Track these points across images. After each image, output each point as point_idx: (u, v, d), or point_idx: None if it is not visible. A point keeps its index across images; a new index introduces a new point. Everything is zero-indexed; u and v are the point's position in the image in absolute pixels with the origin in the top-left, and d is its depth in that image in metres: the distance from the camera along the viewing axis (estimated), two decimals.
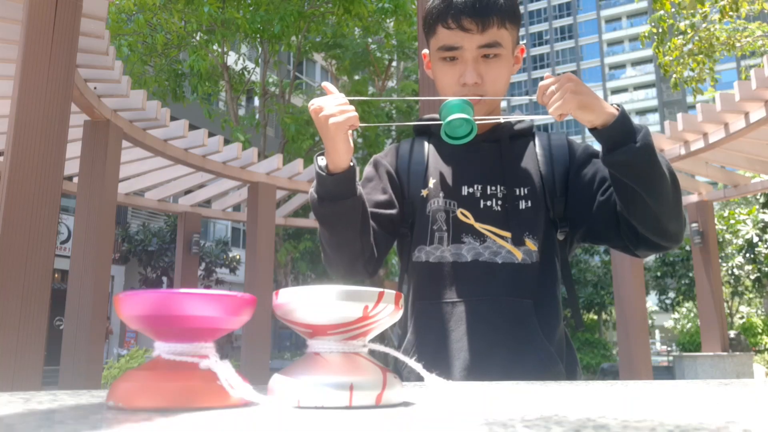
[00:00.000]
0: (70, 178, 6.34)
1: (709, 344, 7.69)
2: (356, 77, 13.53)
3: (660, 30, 8.96)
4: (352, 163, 1.07)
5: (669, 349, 26.14)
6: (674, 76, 9.08)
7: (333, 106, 1.03)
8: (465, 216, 1.17)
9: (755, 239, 14.12)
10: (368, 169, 1.29)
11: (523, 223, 1.16)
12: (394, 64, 14.44)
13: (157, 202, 7.66)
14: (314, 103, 1.04)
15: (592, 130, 1.04)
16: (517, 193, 1.18)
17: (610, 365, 14.65)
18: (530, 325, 1.12)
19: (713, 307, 7.57)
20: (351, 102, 1.05)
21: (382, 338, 13.09)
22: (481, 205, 1.17)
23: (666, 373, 14.37)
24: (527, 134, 1.28)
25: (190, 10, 9.75)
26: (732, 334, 9.00)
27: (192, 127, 6.25)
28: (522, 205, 1.17)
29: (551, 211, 1.19)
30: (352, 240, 1.11)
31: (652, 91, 59.09)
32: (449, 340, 1.12)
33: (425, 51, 1.27)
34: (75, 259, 4.84)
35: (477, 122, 1.12)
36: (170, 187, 7.57)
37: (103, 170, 5.00)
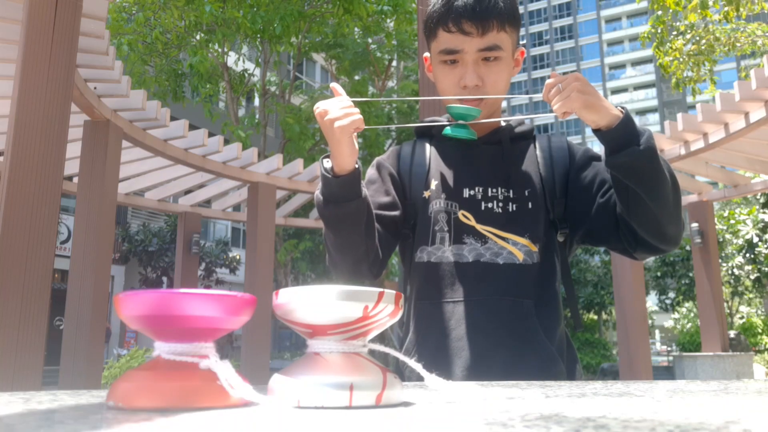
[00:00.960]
0: (70, 178, 6.34)
1: (709, 344, 7.69)
2: (356, 77, 13.53)
3: (659, 31, 8.96)
4: (357, 166, 1.07)
5: (669, 349, 26.14)
6: (674, 76, 9.08)
7: (338, 109, 1.03)
8: (466, 218, 1.18)
9: (755, 239, 14.13)
10: (370, 171, 1.29)
11: (524, 225, 1.17)
12: (394, 64, 14.44)
13: (157, 202, 7.66)
14: (319, 107, 1.04)
15: (596, 132, 1.04)
16: (518, 195, 1.19)
17: (610, 365, 14.65)
18: (531, 325, 1.13)
19: (713, 307, 7.57)
20: (355, 104, 1.05)
21: (382, 338, 13.09)
22: (482, 207, 1.18)
23: (666, 373, 14.36)
24: (528, 137, 1.29)
25: (190, 9, 9.74)
26: (732, 334, 9.01)
27: (192, 127, 6.25)
28: (523, 206, 1.18)
29: (551, 212, 1.21)
30: (357, 242, 1.11)
31: (652, 91, 59.09)
32: (450, 339, 1.12)
33: (426, 54, 1.28)
34: (75, 259, 4.84)
35: (479, 122, 1.15)
36: (170, 187, 7.57)
37: (103, 170, 5.00)
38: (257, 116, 12.33)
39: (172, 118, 6.02)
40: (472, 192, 1.19)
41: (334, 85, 1.10)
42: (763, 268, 14.32)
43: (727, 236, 14.78)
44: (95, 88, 5.01)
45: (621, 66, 62.20)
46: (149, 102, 5.61)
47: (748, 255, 14.37)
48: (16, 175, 3.20)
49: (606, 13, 62.72)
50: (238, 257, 17.50)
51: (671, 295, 17.67)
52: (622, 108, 1.06)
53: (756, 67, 5.44)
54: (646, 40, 9.40)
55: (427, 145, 1.30)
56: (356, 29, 12.27)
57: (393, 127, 11.92)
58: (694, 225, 7.67)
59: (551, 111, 1.06)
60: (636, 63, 60.79)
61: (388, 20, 11.45)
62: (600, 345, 17.82)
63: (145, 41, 10.50)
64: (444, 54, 1.18)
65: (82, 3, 3.75)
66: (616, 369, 13.21)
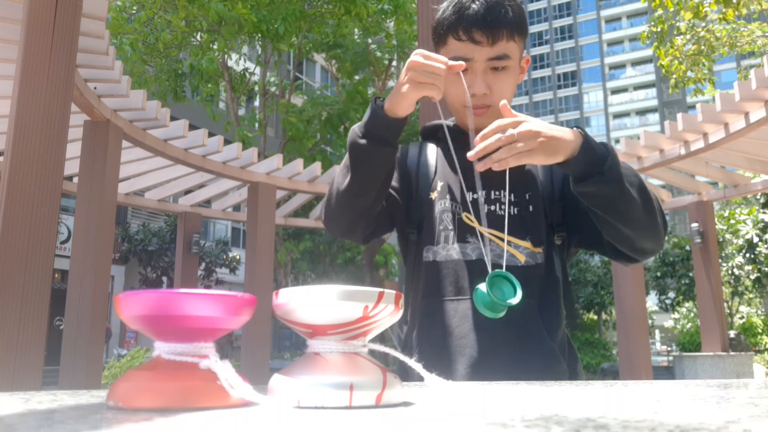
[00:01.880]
0: (70, 178, 6.34)
1: (709, 344, 7.69)
2: (356, 77, 13.52)
3: (660, 30, 8.96)
4: (406, 119, 1.09)
5: (669, 349, 26.14)
6: (674, 76, 9.07)
7: (427, 72, 1.02)
8: (470, 220, 1.20)
9: (755, 239, 14.13)
10: None
11: (525, 228, 1.20)
12: (394, 64, 14.43)
13: (157, 202, 7.66)
14: (417, 57, 1.03)
15: (559, 164, 1.04)
16: (519, 198, 1.22)
17: (610, 365, 14.65)
18: (534, 325, 1.15)
19: (713, 307, 7.57)
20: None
21: (382, 338, 13.09)
22: (486, 210, 1.20)
23: (666, 373, 14.36)
24: None
25: (194, 7, 9.72)
26: (732, 334, 9.00)
27: (192, 127, 6.25)
28: (524, 210, 1.21)
29: (549, 216, 1.23)
30: (370, 190, 1.12)
31: (652, 91, 59.08)
32: (454, 336, 1.14)
33: None
34: (75, 259, 4.84)
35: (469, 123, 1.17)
36: (170, 187, 7.57)
37: (103, 170, 5.00)
38: (258, 116, 12.32)
39: (172, 118, 6.02)
40: (475, 195, 1.21)
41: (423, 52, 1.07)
42: (763, 268, 14.32)
43: (727, 236, 14.78)
44: (95, 88, 5.01)
45: (621, 66, 62.20)
46: (149, 102, 5.61)
47: (748, 255, 14.37)
48: (16, 175, 3.20)
49: (606, 13, 62.72)
50: (238, 257, 17.50)
51: (671, 295, 17.67)
52: (579, 130, 1.05)
53: (756, 67, 5.45)
54: (646, 39, 9.40)
55: (434, 147, 1.33)
56: (356, 29, 12.27)
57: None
58: (694, 225, 7.67)
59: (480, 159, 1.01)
60: (636, 63, 60.78)
61: (388, 20, 11.44)
62: (600, 345, 17.82)
63: (145, 41, 10.49)
64: (451, 59, 1.18)
65: (82, 3, 3.75)
66: (616, 369, 13.21)
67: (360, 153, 1.09)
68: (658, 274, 17.06)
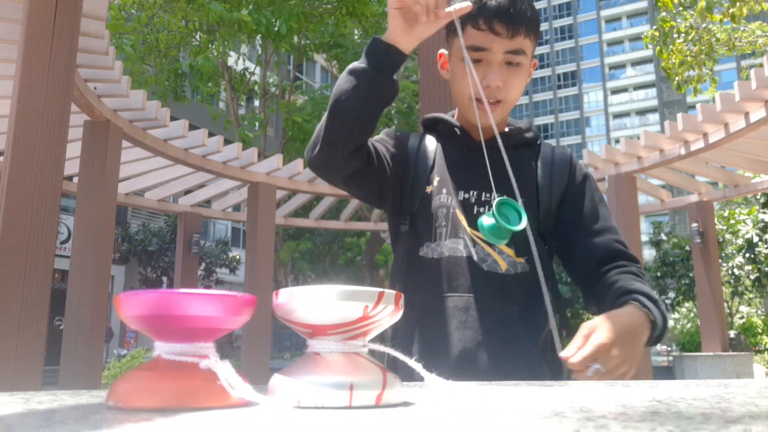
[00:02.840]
0: (70, 178, 6.34)
1: (709, 344, 7.69)
2: None
3: (662, 33, 8.96)
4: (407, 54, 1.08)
5: (669, 349, 26.13)
6: (677, 77, 9.07)
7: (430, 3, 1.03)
8: (461, 218, 1.20)
9: (755, 239, 14.13)
10: (389, 131, 1.31)
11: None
12: None
13: (157, 202, 7.66)
14: None
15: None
16: None
17: None
18: (516, 331, 1.16)
19: (713, 307, 7.57)
20: None
21: (382, 338, 13.06)
22: (475, 212, 1.20)
23: (666, 373, 14.36)
24: (532, 144, 1.29)
25: (192, 9, 9.73)
26: (732, 334, 9.01)
27: (192, 127, 6.25)
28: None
29: (541, 225, 1.23)
30: (356, 118, 1.07)
31: (652, 91, 59.09)
32: (440, 334, 1.14)
33: (442, 51, 1.28)
34: (75, 259, 4.84)
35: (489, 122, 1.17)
36: (170, 187, 7.58)
37: (103, 170, 5.00)
38: (258, 115, 12.32)
39: (172, 118, 6.03)
40: (466, 195, 1.21)
41: None
42: (763, 268, 14.32)
43: (727, 236, 14.77)
44: (95, 88, 5.01)
45: (621, 66, 62.19)
46: (149, 102, 5.61)
47: (748, 255, 14.37)
48: (16, 175, 3.20)
49: (606, 13, 62.72)
50: (238, 257, 17.50)
51: (671, 295, 17.67)
52: (640, 306, 1.07)
53: (756, 67, 5.45)
54: (650, 42, 9.40)
55: (434, 139, 1.31)
56: (356, 30, 12.27)
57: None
58: (694, 225, 7.67)
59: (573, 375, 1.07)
60: (636, 63, 60.78)
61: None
62: None
63: (145, 41, 10.49)
64: (471, 51, 1.16)
65: (82, 3, 3.75)
66: None
67: (356, 80, 1.06)
68: (658, 274, 17.06)
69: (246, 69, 12.66)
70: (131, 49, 9.56)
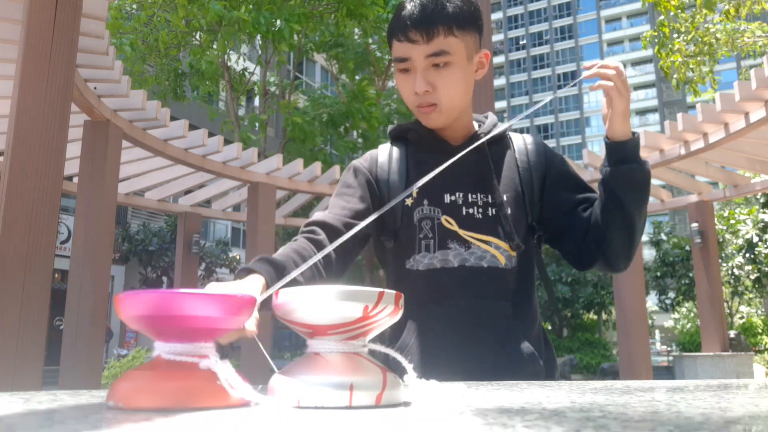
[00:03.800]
0: (70, 178, 6.34)
1: (709, 344, 7.69)
2: (357, 77, 13.53)
3: (661, 35, 8.96)
4: (262, 282, 0.92)
5: (669, 349, 26.15)
6: (675, 77, 9.08)
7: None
8: (449, 223, 1.19)
9: (755, 239, 14.13)
10: (347, 175, 1.28)
11: (503, 230, 1.20)
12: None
13: (157, 202, 7.66)
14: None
15: (609, 140, 1.15)
16: (497, 199, 1.22)
17: (610, 365, 14.65)
18: (510, 327, 1.16)
19: (713, 307, 7.57)
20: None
21: (382, 338, 13.04)
22: (464, 213, 1.20)
23: (666, 373, 14.37)
24: (503, 138, 1.31)
25: (193, 8, 9.72)
26: (732, 334, 9.01)
27: (192, 127, 6.25)
28: (502, 211, 1.21)
29: (529, 215, 1.24)
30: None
31: (652, 91, 59.08)
32: (435, 343, 1.15)
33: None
34: (75, 259, 4.84)
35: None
36: (170, 187, 7.58)
37: (103, 170, 5.00)
38: (259, 117, 12.32)
39: (172, 118, 6.03)
40: (453, 197, 1.21)
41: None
42: (763, 268, 14.32)
43: (727, 236, 14.78)
44: (95, 88, 5.01)
45: None
46: (149, 102, 5.61)
47: (748, 255, 14.37)
48: (16, 175, 3.20)
49: (606, 13, 62.71)
50: (238, 257, 17.50)
51: (671, 295, 17.67)
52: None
53: (756, 67, 5.45)
54: (648, 43, 9.40)
55: (403, 150, 1.30)
56: (356, 29, 12.27)
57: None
58: (694, 225, 7.67)
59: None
60: (636, 63, 60.77)
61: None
62: (600, 345, 17.82)
63: (145, 40, 10.49)
64: (397, 62, 1.19)
65: (82, 3, 3.75)
66: (616, 369, 13.21)
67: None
68: (658, 274, 17.06)
69: (245, 69, 12.66)
70: (130, 49, 9.56)
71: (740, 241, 14.46)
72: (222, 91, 12.53)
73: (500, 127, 1.29)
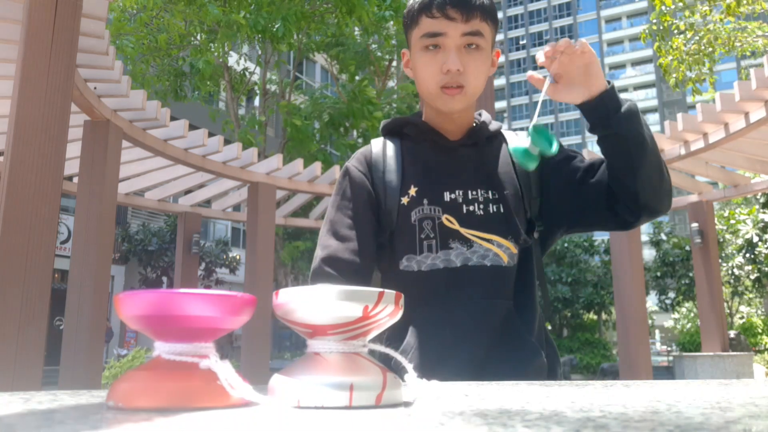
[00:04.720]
0: (70, 178, 6.34)
1: (709, 344, 7.69)
2: (357, 77, 13.53)
3: (660, 28, 8.95)
4: None
5: (669, 349, 26.14)
6: (674, 76, 9.08)
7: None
8: (450, 221, 1.17)
9: (755, 239, 14.12)
10: (343, 183, 1.24)
11: (504, 226, 1.19)
12: (394, 64, 14.43)
13: (157, 202, 7.66)
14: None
15: (582, 105, 1.10)
16: (498, 196, 1.20)
17: (610, 365, 14.64)
18: (513, 324, 1.15)
19: (713, 307, 7.57)
20: None
21: (382, 338, 13.03)
22: (464, 211, 1.18)
23: (666, 373, 14.37)
24: (498, 135, 1.30)
25: (191, 11, 9.75)
26: (732, 334, 9.01)
27: (192, 127, 6.25)
28: (502, 208, 1.19)
29: (528, 211, 1.23)
30: None
31: (652, 91, 59.09)
32: (439, 345, 1.13)
33: (405, 50, 1.28)
34: (75, 259, 4.84)
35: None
36: (170, 187, 7.58)
37: (103, 170, 5.00)
38: (258, 116, 12.32)
39: (172, 118, 6.03)
40: (453, 195, 1.19)
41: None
42: (763, 268, 14.32)
43: (727, 236, 14.78)
44: (95, 88, 5.01)
45: (621, 66, 62.19)
46: (149, 102, 5.61)
47: (748, 255, 14.37)
48: (16, 175, 3.20)
49: (606, 13, 62.70)
50: (238, 257, 17.49)
51: (671, 295, 17.66)
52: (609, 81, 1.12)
53: (756, 67, 5.45)
54: (647, 37, 9.39)
55: (398, 146, 1.27)
56: (356, 29, 12.27)
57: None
58: (694, 225, 7.67)
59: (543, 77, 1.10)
60: (636, 63, 60.78)
61: (389, 23, 11.45)
62: (600, 345, 17.82)
63: (145, 42, 10.50)
64: (426, 38, 1.16)
65: (82, 3, 3.75)
66: (616, 369, 13.21)
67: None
68: (658, 274, 17.06)
69: (246, 69, 12.65)
70: (132, 50, 9.57)
71: (740, 241, 14.46)
72: (222, 91, 12.54)
73: (496, 124, 1.29)
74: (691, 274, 14.82)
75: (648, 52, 53.92)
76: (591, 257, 18.67)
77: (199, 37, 10.86)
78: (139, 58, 10.30)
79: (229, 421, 0.41)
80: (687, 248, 15.75)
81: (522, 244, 1.19)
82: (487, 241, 1.17)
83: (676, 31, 9.14)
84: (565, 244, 18.24)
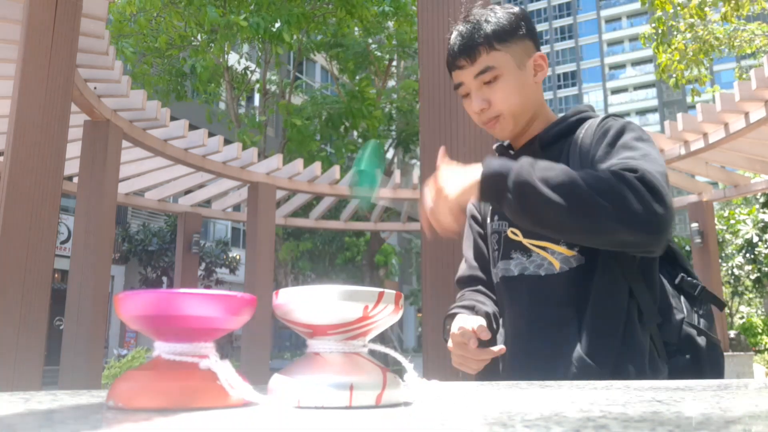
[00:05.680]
0: (70, 178, 6.34)
1: None
2: (357, 77, 13.52)
3: (660, 31, 8.96)
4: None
5: None
6: (673, 76, 9.08)
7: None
8: (515, 234, 1.21)
9: (755, 239, 14.12)
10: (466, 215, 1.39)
11: None
12: (394, 63, 14.42)
13: (157, 202, 7.66)
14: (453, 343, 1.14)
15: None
16: None
17: None
18: (568, 333, 1.12)
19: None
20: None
21: (382, 338, 13.07)
22: None
23: None
24: (574, 129, 1.22)
25: (189, 12, 9.76)
26: (732, 334, 9.00)
27: (192, 127, 6.25)
28: None
29: None
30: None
31: (652, 91, 59.08)
32: (508, 353, 1.19)
33: None
34: (75, 259, 4.84)
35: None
36: (170, 187, 7.58)
37: (103, 170, 5.00)
38: (257, 116, 12.32)
39: (172, 118, 6.03)
40: None
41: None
42: (763, 268, 14.31)
43: (727, 236, 14.77)
44: (95, 88, 5.01)
45: (621, 66, 62.19)
46: (149, 102, 5.61)
47: (748, 255, 14.36)
48: (16, 175, 3.20)
49: (606, 13, 62.70)
50: (238, 257, 17.49)
51: None
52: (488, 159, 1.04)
53: (756, 67, 5.45)
54: (646, 40, 9.40)
55: None
56: (356, 29, 12.27)
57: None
58: (694, 225, 7.67)
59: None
60: (636, 63, 60.78)
61: (389, 21, 11.45)
62: None
63: (146, 41, 10.50)
64: (456, 89, 1.27)
65: (82, 3, 3.75)
66: None
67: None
68: None
69: (247, 68, 12.65)
70: (132, 53, 9.58)
71: (740, 241, 14.45)
72: (223, 91, 12.54)
73: (566, 123, 1.23)
74: None
75: (648, 52, 53.88)
76: None
77: (199, 38, 10.87)
78: (140, 60, 10.30)
79: (229, 421, 0.41)
80: (687, 248, 15.74)
81: (571, 247, 1.13)
82: (543, 249, 1.17)
83: (675, 32, 9.15)
84: None
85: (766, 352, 13.26)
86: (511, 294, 1.21)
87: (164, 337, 0.50)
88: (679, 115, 6.22)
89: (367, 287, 0.52)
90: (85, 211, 4.89)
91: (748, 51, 9.46)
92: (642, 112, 59.16)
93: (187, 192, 7.90)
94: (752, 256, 14.29)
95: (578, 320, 1.12)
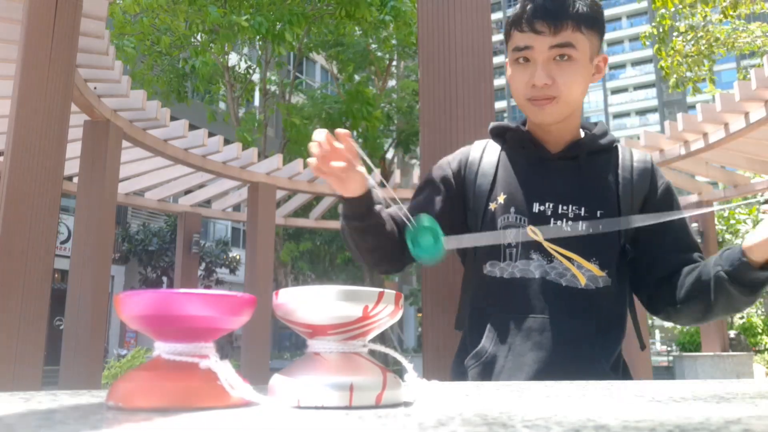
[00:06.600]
0: (70, 178, 6.34)
1: (709, 344, 7.68)
2: (357, 77, 13.52)
3: (661, 30, 8.96)
4: (364, 190, 1.10)
5: (669, 349, 26.10)
6: (674, 76, 9.08)
7: (322, 163, 1.02)
8: (534, 233, 1.16)
9: None
10: (433, 169, 1.30)
11: (591, 248, 1.15)
12: (394, 63, 14.42)
13: (157, 202, 7.66)
14: (312, 145, 1.03)
15: (749, 261, 1.05)
16: (590, 215, 1.16)
17: None
18: (589, 348, 1.12)
19: None
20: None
21: (382, 338, 13.07)
22: (551, 224, 1.16)
23: (666, 373, 14.36)
24: (609, 149, 1.24)
25: (192, 11, 9.75)
26: (732, 334, 9.01)
27: (192, 127, 6.25)
28: (594, 228, 1.15)
29: (623, 237, 1.18)
30: (374, 248, 1.17)
31: (652, 91, 59.06)
32: (513, 353, 1.13)
33: (507, 59, 1.28)
34: (75, 259, 4.83)
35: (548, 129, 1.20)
36: (170, 187, 7.57)
37: (103, 170, 5.00)
38: (257, 116, 12.32)
39: (172, 118, 6.03)
40: (542, 207, 1.17)
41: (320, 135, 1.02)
42: None
43: (727, 236, 14.76)
44: (95, 88, 5.01)
45: (621, 66, 62.18)
46: (149, 102, 5.61)
47: None
48: (16, 175, 3.19)
49: (606, 13, 62.11)
50: (238, 257, 17.48)
51: None
52: None
53: (756, 67, 5.45)
54: (646, 40, 9.40)
55: (497, 150, 1.27)
56: (356, 29, 12.27)
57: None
58: (694, 225, 7.67)
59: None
60: (636, 63, 60.76)
61: (389, 28, 11.45)
62: None
63: (147, 42, 10.50)
64: (515, 51, 1.17)
65: (82, 3, 3.75)
66: None
67: (344, 229, 1.17)
68: None
69: (250, 66, 12.65)
70: (133, 51, 9.58)
71: (740, 241, 14.43)
72: (223, 91, 12.54)
73: (610, 138, 1.23)
74: None
75: (648, 52, 53.94)
76: None
77: (199, 37, 10.87)
78: (141, 60, 10.30)
79: (229, 421, 0.41)
80: None
81: (602, 268, 1.14)
82: (568, 259, 1.14)
83: (675, 33, 9.15)
84: None
85: (766, 352, 13.26)
86: (526, 296, 1.14)
87: (164, 337, 0.50)
88: (679, 115, 6.22)
89: (367, 287, 0.52)
90: (85, 211, 4.89)
91: (747, 51, 9.46)
92: (642, 112, 59.16)
93: (187, 192, 7.90)
94: None
95: (597, 337, 1.13)
